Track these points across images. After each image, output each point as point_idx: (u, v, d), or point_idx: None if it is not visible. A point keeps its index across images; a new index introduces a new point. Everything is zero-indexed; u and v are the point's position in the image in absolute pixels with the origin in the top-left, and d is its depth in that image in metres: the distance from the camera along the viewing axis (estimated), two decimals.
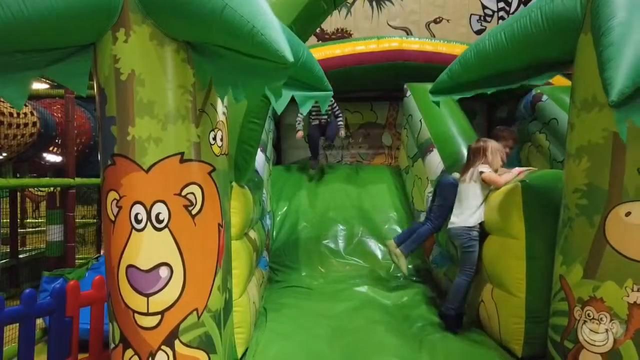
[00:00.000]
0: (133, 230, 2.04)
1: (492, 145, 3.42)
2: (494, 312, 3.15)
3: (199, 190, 2.10)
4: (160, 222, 2.03)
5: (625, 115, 1.86)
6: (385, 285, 4.22)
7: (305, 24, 2.86)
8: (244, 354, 2.80)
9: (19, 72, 1.90)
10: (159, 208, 2.03)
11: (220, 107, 2.27)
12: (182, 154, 2.05)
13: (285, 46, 1.69)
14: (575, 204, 2.43)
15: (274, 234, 5.04)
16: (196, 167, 2.10)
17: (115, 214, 2.07)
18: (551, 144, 5.18)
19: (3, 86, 1.88)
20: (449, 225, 3.50)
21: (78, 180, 4.51)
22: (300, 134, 5.59)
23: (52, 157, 4.97)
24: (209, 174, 2.15)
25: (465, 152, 4.19)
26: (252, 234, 3.38)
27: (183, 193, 2.06)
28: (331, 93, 2.46)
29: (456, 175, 3.72)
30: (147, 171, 2.02)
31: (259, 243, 3.57)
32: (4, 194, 5.29)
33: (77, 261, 4.56)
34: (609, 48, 1.95)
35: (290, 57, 1.69)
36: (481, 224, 3.35)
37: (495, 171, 3.36)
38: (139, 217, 2.03)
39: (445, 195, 3.74)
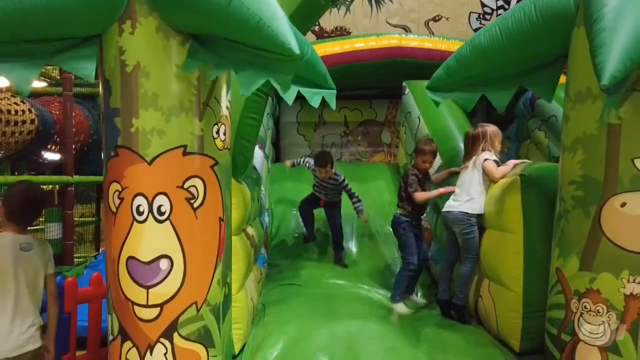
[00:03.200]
0: (134, 222, 2.05)
1: (490, 129, 3.44)
2: (491, 307, 3.15)
3: (201, 183, 2.11)
4: (161, 214, 2.04)
5: (617, 101, 1.87)
6: (383, 280, 4.23)
7: (302, 20, 2.85)
8: (241, 350, 2.80)
9: (25, 60, 1.90)
10: (161, 200, 2.04)
11: (224, 102, 2.26)
12: (185, 146, 2.06)
13: (292, 39, 1.69)
14: (570, 196, 2.45)
15: (273, 231, 5.04)
16: (199, 160, 2.11)
17: (117, 205, 2.08)
18: (550, 141, 5.20)
19: (9, 71, 1.89)
20: (446, 209, 3.44)
21: (76, 178, 4.51)
22: (288, 163, 4.97)
23: (50, 155, 4.96)
24: (212, 167, 2.16)
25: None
26: (250, 230, 3.37)
27: (185, 186, 2.07)
28: (335, 91, 2.46)
29: (400, 210, 3.80)
30: (149, 163, 2.03)
31: (257, 240, 3.57)
32: (2, 191, 5.27)
33: (75, 260, 4.55)
34: (601, 34, 1.97)
35: (297, 50, 1.69)
36: (479, 217, 3.33)
37: (499, 154, 3.37)
38: (141, 209, 2.03)
39: (396, 233, 3.86)
